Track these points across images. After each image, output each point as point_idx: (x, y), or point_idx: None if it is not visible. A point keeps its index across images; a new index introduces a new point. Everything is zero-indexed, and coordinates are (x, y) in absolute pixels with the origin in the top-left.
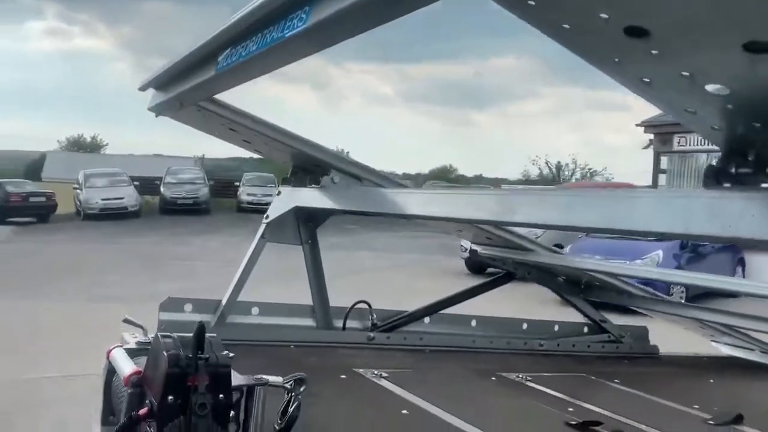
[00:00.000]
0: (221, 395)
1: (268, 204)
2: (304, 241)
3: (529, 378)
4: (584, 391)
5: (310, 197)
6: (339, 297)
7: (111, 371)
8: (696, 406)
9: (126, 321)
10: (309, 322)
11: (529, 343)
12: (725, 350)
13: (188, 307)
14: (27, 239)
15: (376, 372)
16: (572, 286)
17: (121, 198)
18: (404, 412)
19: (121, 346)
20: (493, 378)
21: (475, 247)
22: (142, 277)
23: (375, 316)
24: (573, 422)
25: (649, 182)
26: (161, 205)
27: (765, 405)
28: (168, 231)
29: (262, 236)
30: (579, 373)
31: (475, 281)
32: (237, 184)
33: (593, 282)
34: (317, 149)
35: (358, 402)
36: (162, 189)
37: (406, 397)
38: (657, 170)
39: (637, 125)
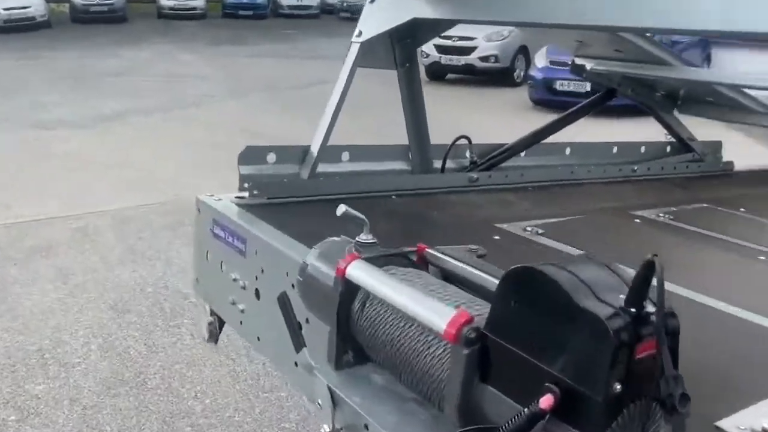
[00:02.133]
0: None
1: (194, 10)
2: (399, 63)
3: (667, 216)
4: (737, 227)
5: (425, 5)
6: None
7: (348, 292)
8: None
9: (346, 214)
10: (404, 165)
11: (623, 168)
12: None
13: (271, 157)
14: None
15: (528, 228)
16: (668, 101)
17: (27, 6)
18: None
19: (360, 257)
20: (637, 220)
21: (580, 61)
22: (81, 97)
23: (475, 154)
24: None
25: None
26: (72, 14)
27: None
28: (88, 42)
29: (354, 61)
30: (700, 204)
31: (436, 89)
32: None
33: (691, 96)
34: None
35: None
36: None
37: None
38: None
39: None
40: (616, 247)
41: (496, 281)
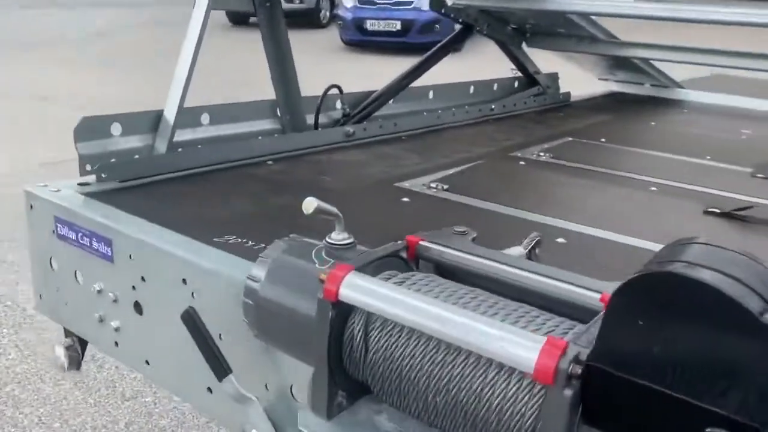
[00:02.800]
0: None
1: None
2: (259, 2)
3: (547, 154)
4: (613, 159)
5: None
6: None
7: (341, 318)
8: (708, 157)
9: (318, 210)
10: (274, 123)
11: (483, 108)
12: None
13: (116, 128)
14: None
15: (432, 185)
16: (518, 35)
17: None
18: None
19: (354, 269)
20: (522, 162)
21: None
22: None
23: (347, 104)
24: (713, 210)
25: None
26: None
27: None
28: None
29: (209, 2)
30: (564, 138)
31: (241, 33)
32: None
33: (539, 30)
34: None
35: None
36: None
37: (506, 211)
38: None
39: None
40: (529, 196)
41: (542, 278)
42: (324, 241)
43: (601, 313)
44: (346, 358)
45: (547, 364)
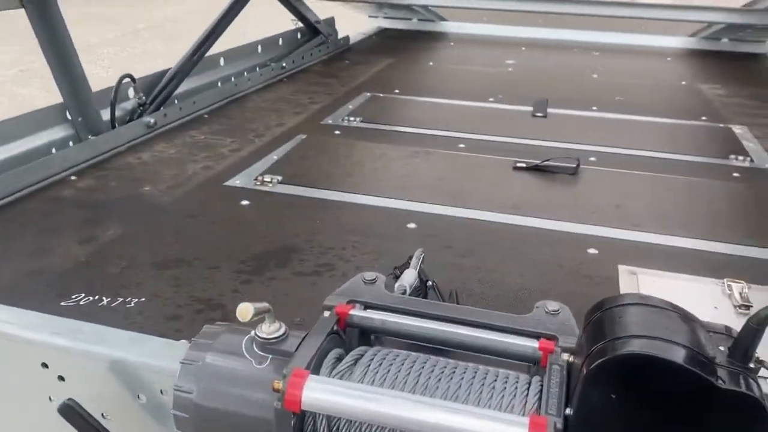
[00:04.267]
0: None
1: None
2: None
3: (358, 119)
4: (415, 115)
5: None
6: None
7: (300, 424)
8: (491, 99)
9: (256, 314)
10: (66, 130)
11: (275, 67)
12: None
13: None
14: None
15: (266, 179)
16: None
17: None
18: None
19: (308, 372)
20: (337, 131)
21: None
22: None
23: (141, 92)
24: (520, 164)
25: None
26: None
27: None
28: None
29: None
30: (362, 94)
31: None
32: None
33: None
34: None
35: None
36: None
37: (353, 200)
38: None
39: None
40: (364, 176)
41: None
42: (253, 333)
43: (549, 366)
44: None
45: None
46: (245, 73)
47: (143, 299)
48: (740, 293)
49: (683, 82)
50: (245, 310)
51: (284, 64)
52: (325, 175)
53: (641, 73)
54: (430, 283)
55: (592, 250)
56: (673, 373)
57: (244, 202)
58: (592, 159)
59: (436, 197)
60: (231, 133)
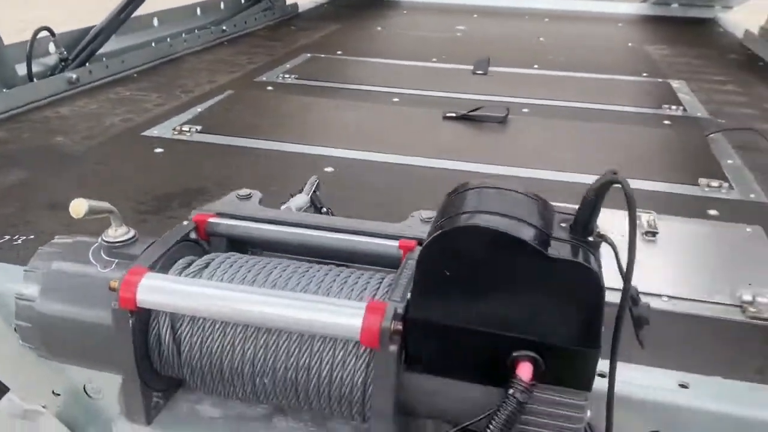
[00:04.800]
0: None
1: None
2: None
3: (292, 76)
4: (354, 72)
5: None
6: None
7: (142, 323)
8: (434, 59)
9: (91, 212)
10: None
11: (214, 30)
12: None
13: None
14: None
15: (185, 129)
16: None
17: None
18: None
19: (148, 270)
20: (270, 87)
21: None
22: None
23: (62, 47)
24: (450, 114)
25: None
26: None
27: None
28: None
29: None
30: (303, 54)
31: None
32: None
33: None
34: None
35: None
36: None
37: (267, 146)
38: None
39: None
40: (286, 126)
41: (340, 235)
42: (100, 240)
43: (405, 261)
44: (156, 362)
45: (371, 329)
46: (183, 35)
47: (31, 236)
48: (648, 222)
49: (630, 44)
50: (78, 206)
51: (224, 28)
52: (247, 125)
53: (589, 37)
54: (324, 210)
55: None
56: (504, 244)
57: (158, 150)
58: (525, 110)
59: (357, 144)
60: (158, 90)
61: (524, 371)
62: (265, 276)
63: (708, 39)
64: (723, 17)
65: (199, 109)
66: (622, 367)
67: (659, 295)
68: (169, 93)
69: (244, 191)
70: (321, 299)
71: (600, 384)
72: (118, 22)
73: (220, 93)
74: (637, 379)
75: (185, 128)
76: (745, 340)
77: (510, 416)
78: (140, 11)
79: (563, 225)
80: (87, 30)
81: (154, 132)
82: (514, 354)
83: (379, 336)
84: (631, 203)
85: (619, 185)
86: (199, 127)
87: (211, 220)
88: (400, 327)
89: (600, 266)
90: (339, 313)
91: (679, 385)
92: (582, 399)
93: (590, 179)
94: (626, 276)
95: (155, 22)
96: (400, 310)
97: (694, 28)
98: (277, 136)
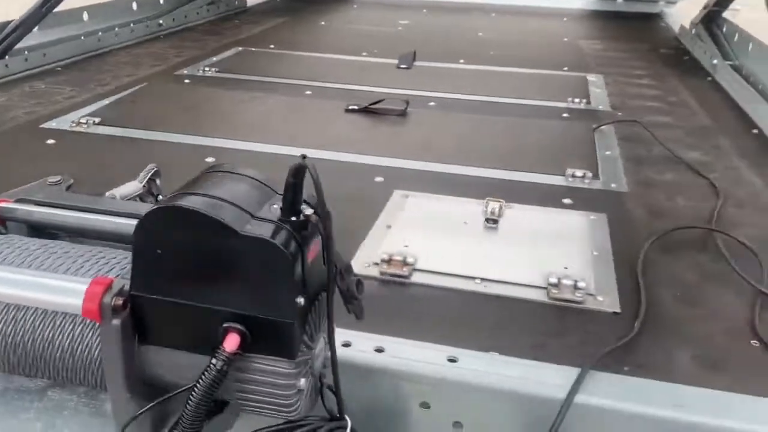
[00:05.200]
0: None
1: None
2: None
3: (213, 69)
4: (276, 66)
5: None
6: None
7: None
8: (364, 53)
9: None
10: None
11: (150, 24)
12: None
13: None
14: None
15: (82, 120)
16: None
17: None
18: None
19: None
20: (187, 81)
21: None
22: None
23: None
24: (352, 107)
25: None
26: None
27: None
28: None
29: None
30: (234, 48)
31: None
32: None
33: None
34: None
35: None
36: None
37: (158, 137)
38: None
39: None
40: (187, 117)
41: (118, 220)
42: None
43: None
44: None
45: (91, 304)
46: (116, 29)
47: None
48: (492, 210)
49: (565, 39)
50: None
51: (161, 22)
52: (147, 117)
53: (529, 32)
54: (161, 197)
55: (378, 178)
56: (202, 223)
57: (49, 141)
58: (432, 104)
59: (248, 135)
60: (74, 84)
61: (230, 342)
62: (26, 256)
63: (646, 33)
64: (668, 12)
65: (106, 102)
66: (395, 343)
67: (473, 278)
68: (84, 87)
69: (54, 177)
70: (53, 276)
71: (380, 358)
72: (39, 15)
73: (135, 86)
74: (408, 353)
75: (83, 120)
76: (538, 319)
77: (211, 384)
78: (72, 5)
79: (274, 207)
80: (5, 24)
81: (53, 124)
82: (224, 326)
83: (100, 310)
84: (318, 186)
85: (307, 169)
86: (97, 119)
87: (4, 204)
88: (120, 302)
89: (300, 243)
90: (65, 289)
91: (448, 359)
92: (290, 367)
93: (463, 170)
94: (328, 253)
95: (85, 16)
96: (127, 287)
97: (638, 23)
98: (173, 127)
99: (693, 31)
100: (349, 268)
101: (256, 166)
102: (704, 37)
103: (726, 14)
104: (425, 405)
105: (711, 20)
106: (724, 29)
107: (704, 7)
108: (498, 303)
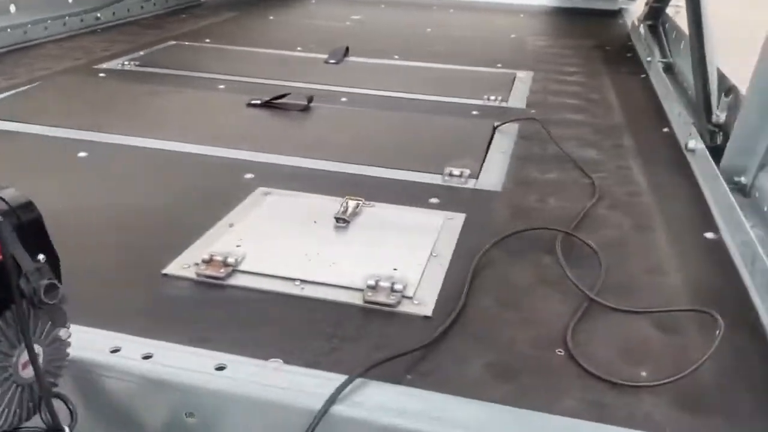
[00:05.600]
0: None
1: None
2: None
3: (133, 62)
4: (200, 60)
5: None
6: None
7: None
8: (299, 48)
9: None
10: None
11: (86, 18)
12: None
13: None
14: None
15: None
16: None
17: None
18: None
19: None
20: (102, 74)
21: None
22: None
23: None
24: (254, 101)
25: None
26: None
27: None
28: None
29: None
30: (167, 42)
31: None
32: None
33: None
34: None
35: None
36: None
37: (49, 133)
38: None
39: None
40: (83, 113)
41: None
42: None
43: None
44: None
45: None
46: (47, 22)
47: None
48: (347, 209)
49: (513, 35)
50: None
51: (99, 15)
52: (33, 111)
53: (479, 28)
54: None
55: (249, 175)
56: None
57: None
58: (344, 99)
59: (132, 129)
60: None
61: None
62: None
63: (600, 30)
64: (628, 9)
65: (1, 96)
66: (166, 349)
67: (293, 280)
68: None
69: None
70: None
71: (146, 366)
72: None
73: (46, 80)
74: (176, 361)
75: None
76: (342, 323)
77: None
78: None
79: None
80: None
81: None
82: None
83: None
84: None
85: None
86: None
87: None
88: None
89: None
90: None
91: (216, 368)
92: None
93: (343, 168)
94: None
95: (12, 8)
96: None
97: (596, 20)
98: (57, 121)
99: (640, 28)
100: (43, 270)
101: (134, 161)
102: (646, 35)
103: (669, 11)
104: (190, 415)
105: (654, 17)
106: (667, 26)
107: (646, 3)
108: (310, 306)
